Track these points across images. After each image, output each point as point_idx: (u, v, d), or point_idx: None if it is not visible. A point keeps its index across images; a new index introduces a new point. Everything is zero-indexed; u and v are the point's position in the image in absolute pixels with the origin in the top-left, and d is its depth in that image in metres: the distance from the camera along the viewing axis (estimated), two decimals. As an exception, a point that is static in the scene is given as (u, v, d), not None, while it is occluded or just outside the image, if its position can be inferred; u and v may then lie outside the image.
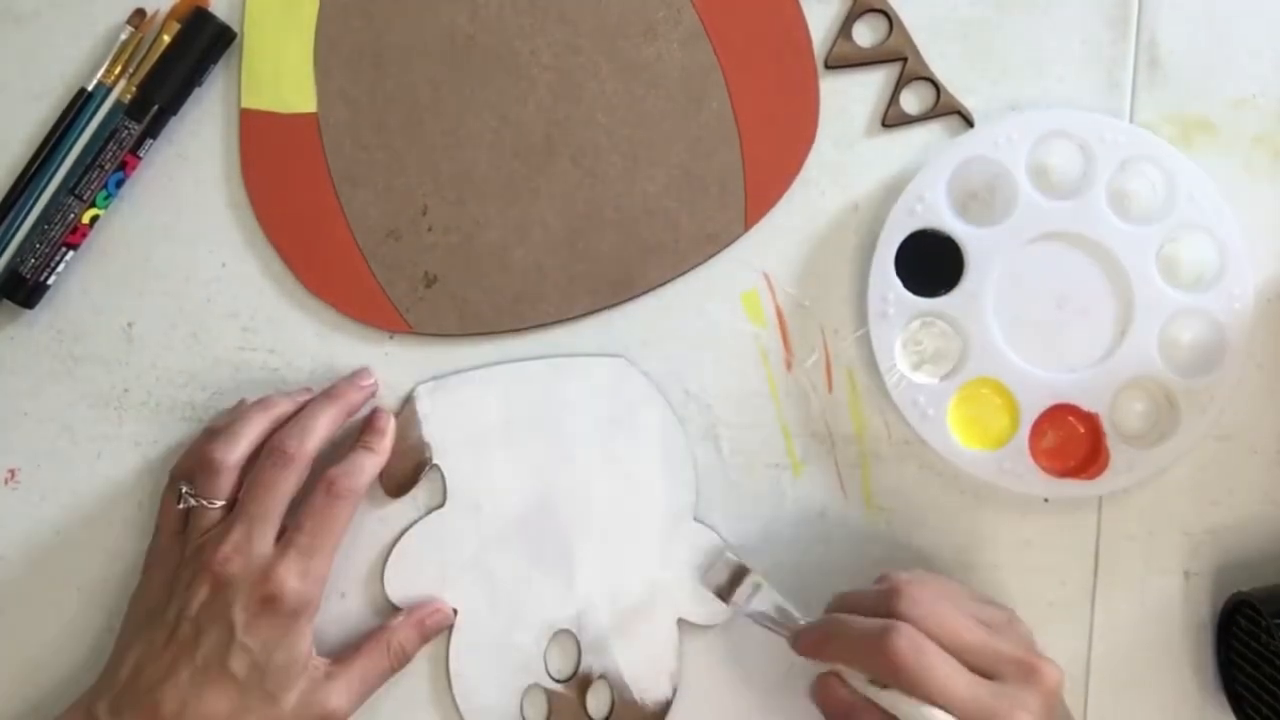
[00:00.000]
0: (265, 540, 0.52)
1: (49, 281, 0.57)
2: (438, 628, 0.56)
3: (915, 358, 0.56)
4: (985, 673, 0.47)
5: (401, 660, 0.55)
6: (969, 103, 0.57)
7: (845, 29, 0.57)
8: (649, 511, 0.57)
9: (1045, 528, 0.57)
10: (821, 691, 0.50)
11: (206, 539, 0.52)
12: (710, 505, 0.57)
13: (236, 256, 0.58)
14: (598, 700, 0.57)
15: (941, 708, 0.45)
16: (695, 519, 0.57)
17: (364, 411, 0.57)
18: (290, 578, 0.51)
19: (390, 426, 0.56)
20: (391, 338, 0.58)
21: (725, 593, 0.55)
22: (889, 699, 0.47)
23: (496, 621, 0.57)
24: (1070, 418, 0.56)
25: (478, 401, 0.57)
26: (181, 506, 0.54)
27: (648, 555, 0.57)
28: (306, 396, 0.57)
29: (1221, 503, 0.57)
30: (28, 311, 0.57)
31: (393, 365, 0.58)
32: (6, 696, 0.58)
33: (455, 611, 0.57)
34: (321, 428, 0.54)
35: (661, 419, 0.57)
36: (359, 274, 0.57)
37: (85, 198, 0.56)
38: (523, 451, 0.57)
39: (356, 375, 0.57)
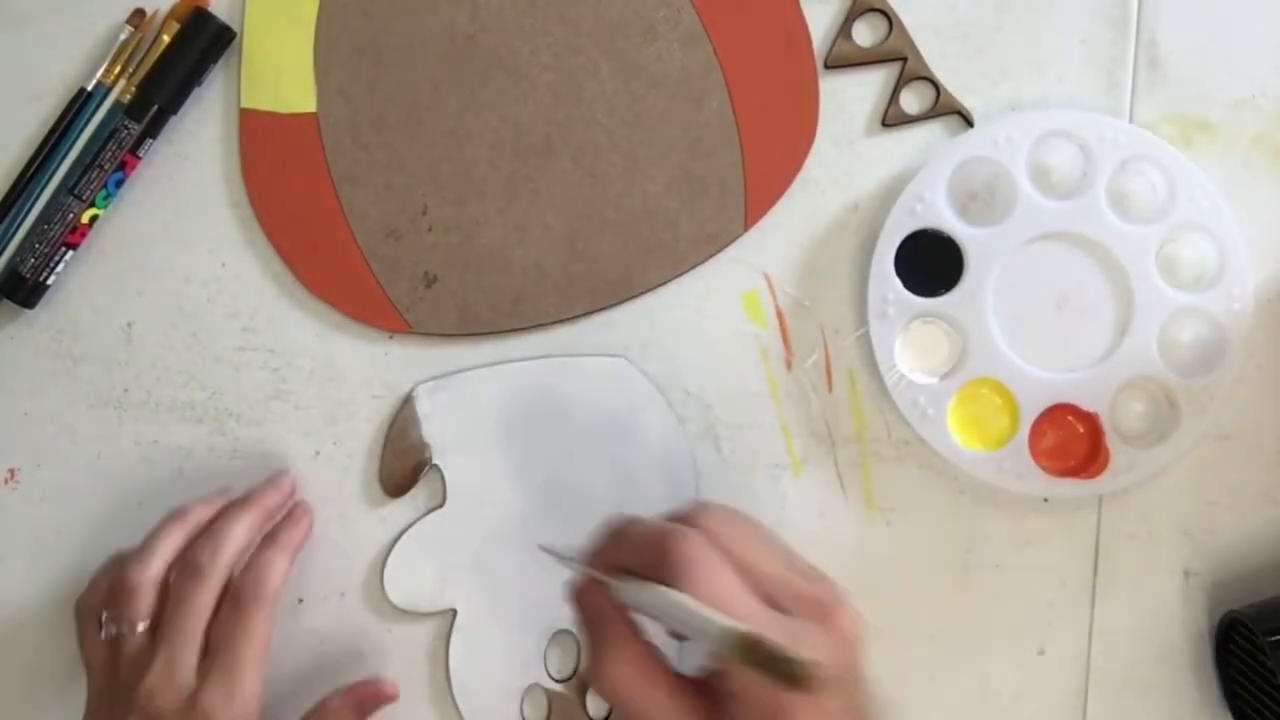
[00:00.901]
0: (188, 665, 0.49)
1: (49, 281, 0.57)
2: (375, 705, 0.55)
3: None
4: (776, 606, 0.42)
5: None
6: (969, 103, 0.57)
7: (845, 29, 0.57)
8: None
9: (1045, 528, 0.57)
10: (583, 594, 0.44)
11: (135, 666, 0.49)
12: (710, 505, 0.58)
13: (236, 256, 0.58)
14: (597, 700, 0.57)
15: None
16: None
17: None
18: (216, 704, 0.49)
19: (308, 521, 0.54)
20: (391, 338, 0.58)
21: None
22: (638, 591, 0.42)
23: (496, 621, 0.57)
24: (1070, 417, 0.56)
25: (478, 401, 0.57)
26: (104, 637, 0.50)
27: None
28: (224, 501, 0.55)
29: (1221, 503, 0.57)
30: (28, 311, 0.57)
31: (393, 365, 0.58)
32: (6, 697, 0.58)
33: (392, 692, 0.56)
34: (237, 536, 0.52)
35: (661, 419, 0.57)
36: (359, 274, 0.57)
37: (85, 198, 0.56)
38: (523, 451, 0.57)
39: (275, 477, 0.56)
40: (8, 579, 0.58)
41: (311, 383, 0.58)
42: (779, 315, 0.58)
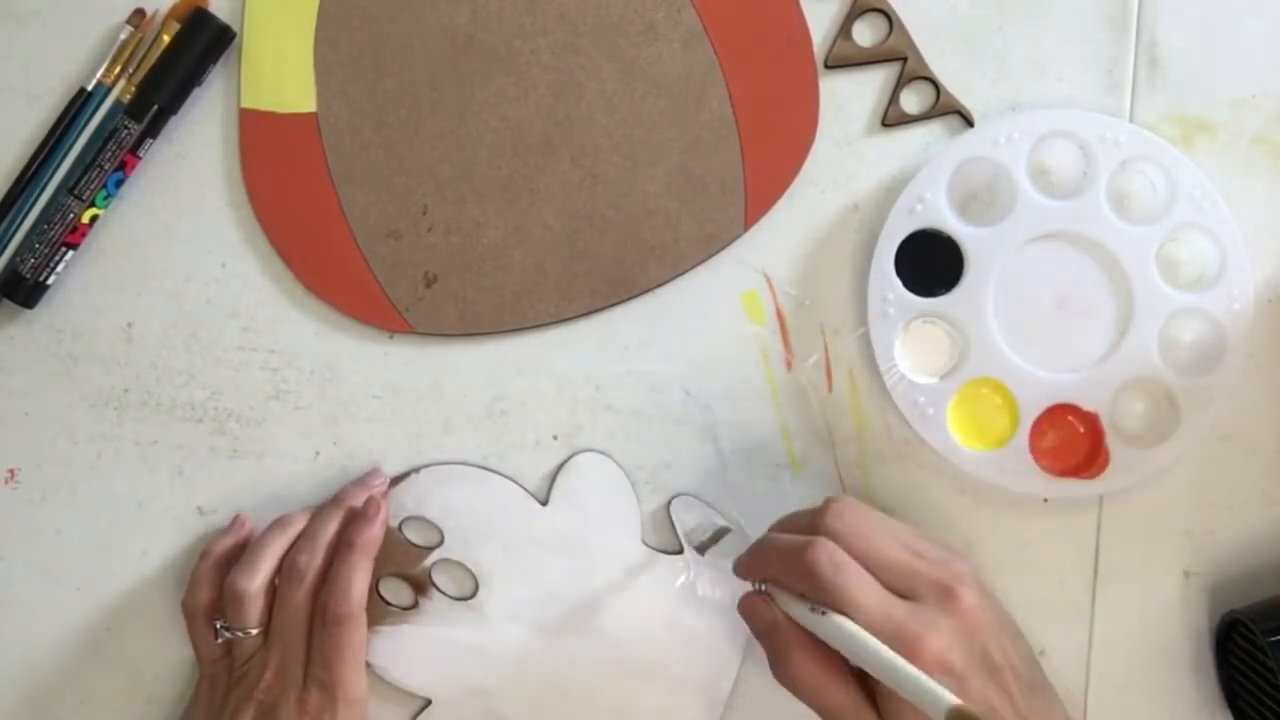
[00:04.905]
0: (298, 663, 0.53)
1: (49, 281, 0.57)
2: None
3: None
4: (904, 593, 0.47)
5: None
6: (969, 103, 0.57)
7: (845, 29, 0.57)
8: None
9: (1045, 528, 0.57)
10: (747, 607, 0.50)
11: (250, 666, 0.54)
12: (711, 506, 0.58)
13: (236, 256, 0.58)
14: None
15: (855, 621, 0.46)
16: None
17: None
18: (324, 711, 0.52)
19: (381, 515, 0.55)
20: (391, 338, 0.58)
21: (703, 548, 0.56)
22: (817, 623, 0.47)
23: None
24: (1070, 417, 0.56)
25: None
26: (219, 640, 0.54)
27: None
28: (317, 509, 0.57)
29: (1221, 503, 0.57)
30: (28, 311, 0.57)
31: (393, 365, 0.58)
32: (6, 696, 0.58)
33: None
34: (331, 537, 0.55)
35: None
36: (359, 274, 0.57)
37: (85, 198, 0.56)
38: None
39: (367, 476, 0.57)
40: (8, 579, 0.58)
41: (311, 383, 0.58)
42: (779, 315, 0.58)
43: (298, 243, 0.57)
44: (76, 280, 0.58)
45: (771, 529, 0.52)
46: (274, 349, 0.58)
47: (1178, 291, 0.56)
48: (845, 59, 0.57)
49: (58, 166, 0.57)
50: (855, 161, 0.58)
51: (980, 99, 0.57)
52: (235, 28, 0.57)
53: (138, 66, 0.57)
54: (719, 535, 0.56)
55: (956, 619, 0.46)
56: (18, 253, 0.57)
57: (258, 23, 0.57)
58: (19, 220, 0.57)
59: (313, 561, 0.54)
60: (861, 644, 0.45)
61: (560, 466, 0.57)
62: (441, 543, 0.57)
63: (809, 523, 0.50)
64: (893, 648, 0.45)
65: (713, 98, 0.57)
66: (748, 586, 0.51)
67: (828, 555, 0.47)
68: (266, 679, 0.53)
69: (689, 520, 0.57)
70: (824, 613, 0.46)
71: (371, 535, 0.55)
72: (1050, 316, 0.56)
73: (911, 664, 0.44)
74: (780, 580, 0.49)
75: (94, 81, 0.57)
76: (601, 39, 0.57)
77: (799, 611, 0.48)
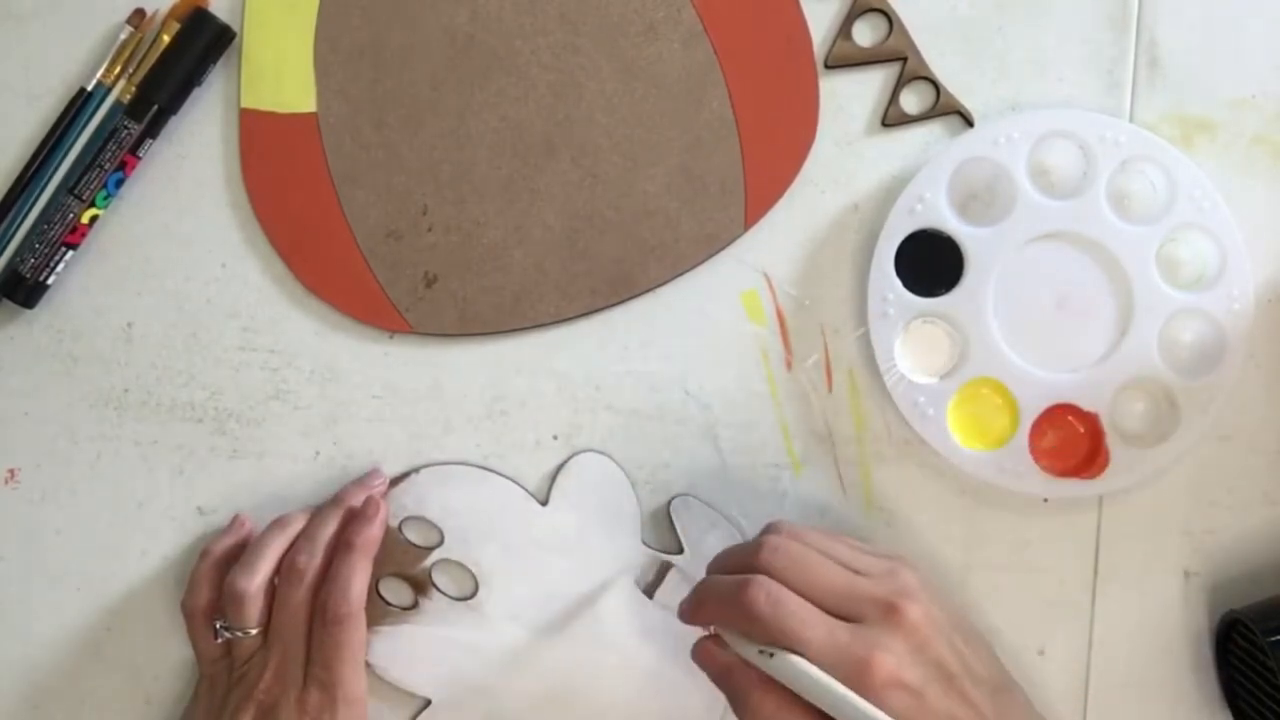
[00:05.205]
0: (297, 664, 0.53)
1: (49, 281, 0.57)
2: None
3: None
4: (848, 615, 0.46)
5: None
6: (969, 103, 0.57)
7: (845, 29, 0.57)
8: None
9: (1045, 528, 0.57)
10: (700, 654, 0.49)
11: (249, 666, 0.54)
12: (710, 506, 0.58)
13: (236, 256, 0.58)
14: None
15: (801, 654, 0.45)
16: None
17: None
18: (324, 712, 0.52)
19: (381, 515, 0.55)
20: (391, 338, 0.58)
21: (650, 589, 0.56)
22: (766, 665, 0.46)
23: None
24: (1070, 417, 0.56)
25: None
26: (219, 640, 0.54)
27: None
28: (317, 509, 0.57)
29: (1221, 503, 0.57)
30: (28, 311, 0.57)
31: (393, 365, 0.58)
32: (6, 696, 0.58)
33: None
34: (331, 537, 0.55)
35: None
36: (359, 274, 0.57)
37: (85, 198, 0.56)
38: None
39: (366, 476, 0.57)
40: (8, 579, 0.58)
41: (311, 383, 0.58)
42: (779, 315, 0.58)
43: (298, 243, 0.57)
44: (76, 280, 0.58)
45: (710, 566, 0.52)
46: (274, 349, 0.58)
47: (1178, 291, 0.56)
48: (845, 59, 0.57)
49: (58, 166, 0.57)
50: (855, 161, 0.58)
51: (980, 99, 0.57)
52: (235, 28, 0.57)
53: (138, 66, 0.57)
54: (662, 573, 0.56)
55: (903, 634, 0.45)
56: (18, 253, 0.57)
57: (258, 23, 0.57)
58: (19, 220, 0.57)
59: (312, 561, 0.54)
60: (809, 679, 0.44)
61: (560, 466, 0.58)
62: (441, 543, 0.57)
63: (746, 562, 0.49)
64: (843, 673, 0.44)
65: (713, 98, 0.57)
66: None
67: (765, 594, 0.46)
68: (266, 679, 0.53)
69: (641, 560, 0.56)
70: (771, 654, 0.46)
71: (371, 535, 0.55)
72: (1050, 316, 0.56)
73: (863, 686, 0.43)
74: (724, 623, 0.49)
75: (94, 81, 0.57)
76: (601, 39, 0.57)
77: (749, 653, 0.47)
